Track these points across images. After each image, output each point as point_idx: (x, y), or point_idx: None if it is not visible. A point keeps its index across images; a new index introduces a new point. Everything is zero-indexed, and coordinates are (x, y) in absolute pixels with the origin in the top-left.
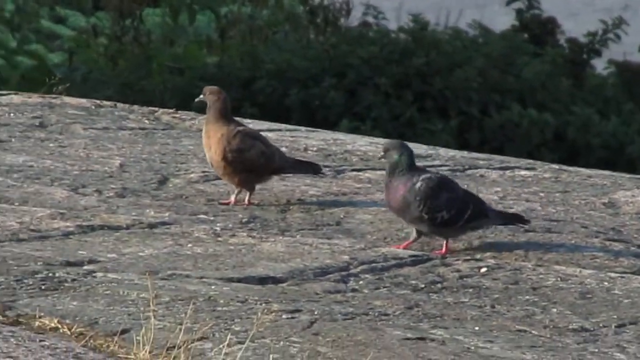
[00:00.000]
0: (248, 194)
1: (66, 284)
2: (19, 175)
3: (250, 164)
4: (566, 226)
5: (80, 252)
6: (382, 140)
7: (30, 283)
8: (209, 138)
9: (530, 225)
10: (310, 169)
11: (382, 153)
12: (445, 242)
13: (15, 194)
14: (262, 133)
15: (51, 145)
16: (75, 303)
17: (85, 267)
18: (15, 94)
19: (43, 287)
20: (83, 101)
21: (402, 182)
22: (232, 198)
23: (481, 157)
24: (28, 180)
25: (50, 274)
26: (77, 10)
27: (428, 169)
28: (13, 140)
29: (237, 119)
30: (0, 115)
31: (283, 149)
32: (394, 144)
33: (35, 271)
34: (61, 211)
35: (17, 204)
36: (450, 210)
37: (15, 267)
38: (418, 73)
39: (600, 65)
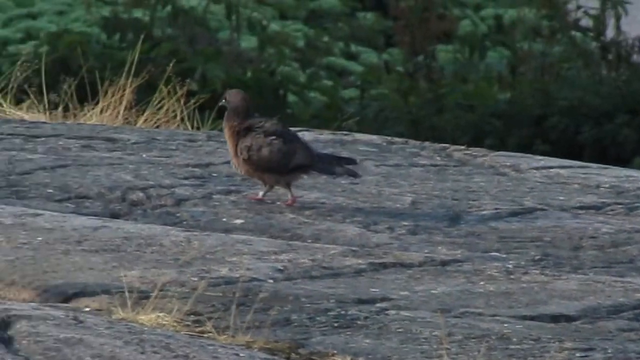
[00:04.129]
0: (266, 189)
1: (359, 322)
2: (311, 212)
3: (265, 162)
4: None
5: (373, 289)
6: None
7: (323, 321)
8: (227, 138)
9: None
10: (343, 169)
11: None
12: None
13: (307, 231)
14: (300, 133)
15: (343, 182)
16: (368, 341)
17: (377, 305)
18: (307, 130)
19: (336, 324)
20: (374, 138)
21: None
22: (260, 194)
23: None
24: (320, 217)
25: (343, 312)
26: (369, 46)
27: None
28: (305, 177)
29: (259, 117)
30: None
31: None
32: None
33: (327, 309)
34: (353, 248)
35: (309, 241)
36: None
37: (308, 305)
38: None
39: None
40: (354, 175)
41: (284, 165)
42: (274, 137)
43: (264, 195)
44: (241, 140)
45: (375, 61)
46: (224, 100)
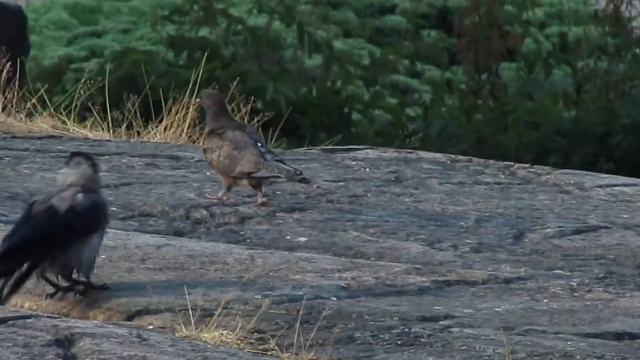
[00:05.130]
0: (223, 190)
1: (422, 340)
2: (375, 230)
3: (216, 165)
4: None
5: (436, 307)
6: None
7: (387, 338)
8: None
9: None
10: (286, 174)
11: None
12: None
13: (371, 249)
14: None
15: (407, 200)
16: (431, 359)
17: (441, 323)
18: (371, 148)
19: (399, 342)
20: (438, 155)
21: None
22: (220, 194)
23: None
24: (384, 235)
25: (406, 329)
26: (433, 64)
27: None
28: (369, 195)
29: (238, 120)
30: (355, 170)
31: None
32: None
33: (391, 326)
34: (417, 266)
35: (373, 259)
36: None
37: (372, 323)
38: None
39: None
40: (305, 182)
41: (229, 170)
42: (227, 142)
43: (222, 195)
44: (204, 142)
45: (439, 79)
46: (198, 100)
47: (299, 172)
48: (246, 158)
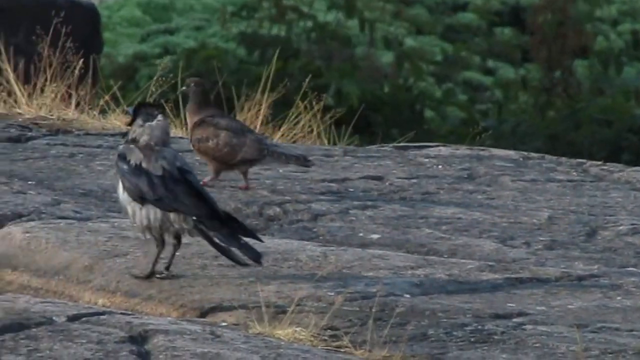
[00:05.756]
0: (244, 178)
1: (495, 337)
2: (448, 227)
3: (213, 153)
4: None
5: (509, 304)
6: None
7: (460, 335)
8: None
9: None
10: (294, 160)
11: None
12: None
13: (443, 246)
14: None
15: (479, 197)
16: (504, 356)
17: (514, 320)
18: (443, 145)
19: (472, 339)
20: (511, 153)
21: None
22: (206, 179)
23: None
24: (456, 232)
25: (480, 327)
26: (506, 61)
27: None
28: (441, 192)
29: (218, 109)
30: (428, 167)
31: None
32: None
33: (464, 323)
34: (490, 263)
35: (445, 256)
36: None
37: (445, 320)
38: None
39: None
40: (304, 164)
41: (231, 158)
42: (224, 131)
43: (210, 179)
44: (195, 131)
45: (512, 76)
46: (184, 88)
47: (302, 156)
48: (248, 145)
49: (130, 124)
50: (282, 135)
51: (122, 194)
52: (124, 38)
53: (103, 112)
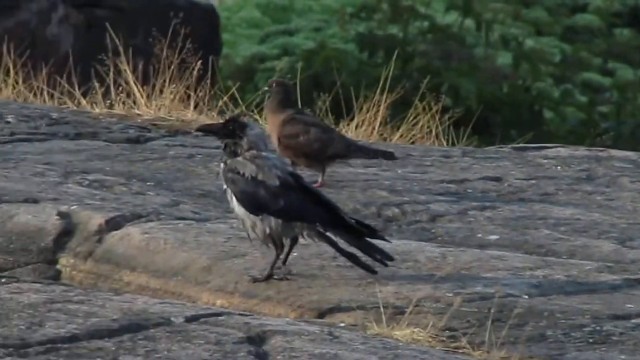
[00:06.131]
0: (321, 175)
1: (614, 338)
2: (566, 228)
3: (305, 149)
4: None
5: (628, 305)
6: None
7: (578, 336)
8: (269, 126)
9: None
10: (381, 155)
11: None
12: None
13: (562, 247)
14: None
15: (598, 198)
16: (623, 357)
17: (633, 321)
18: (562, 146)
19: (591, 340)
20: (630, 154)
21: None
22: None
23: None
24: (575, 233)
25: (598, 328)
26: (625, 62)
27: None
28: (560, 193)
29: (299, 109)
30: (547, 168)
31: None
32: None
33: (582, 324)
34: (608, 264)
35: (564, 257)
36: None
37: (563, 321)
38: None
39: None
40: (390, 158)
41: (323, 153)
42: (313, 127)
43: (320, 181)
44: (284, 128)
45: (631, 77)
46: (266, 88)
47: (388, 152)
48: (337, 141)
49: (221, 137)
50: (401, 136)
51: (237, 207)
52: (242, 39)
53: (221, 113)
